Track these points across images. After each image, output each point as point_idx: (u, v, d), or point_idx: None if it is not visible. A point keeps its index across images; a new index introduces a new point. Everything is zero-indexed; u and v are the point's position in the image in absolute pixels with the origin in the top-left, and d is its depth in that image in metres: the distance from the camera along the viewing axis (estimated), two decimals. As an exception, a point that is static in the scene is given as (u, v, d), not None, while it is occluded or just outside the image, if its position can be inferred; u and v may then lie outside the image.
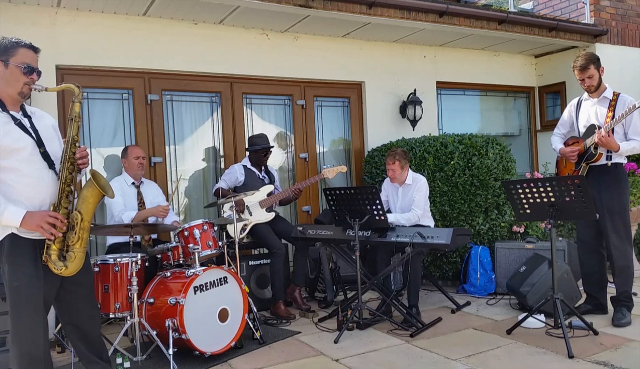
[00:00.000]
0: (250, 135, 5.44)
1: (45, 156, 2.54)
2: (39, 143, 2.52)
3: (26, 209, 2.43)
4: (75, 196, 2.58)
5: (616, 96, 4.01)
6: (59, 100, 4.71)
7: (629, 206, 4.13)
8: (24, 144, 2.47)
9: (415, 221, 4.58)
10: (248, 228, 4.73)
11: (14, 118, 2.49)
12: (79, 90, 2.60)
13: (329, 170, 4.97)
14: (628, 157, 4.17)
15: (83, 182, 2.81)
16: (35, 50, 2.56)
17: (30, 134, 2.52)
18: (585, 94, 4.16)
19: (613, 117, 3.94)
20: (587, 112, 4.14)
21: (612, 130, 3.94)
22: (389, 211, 4.79)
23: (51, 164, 2.55)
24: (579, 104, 4.24)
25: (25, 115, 2.58)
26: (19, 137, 2.47)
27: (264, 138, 5.01)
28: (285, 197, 4.96)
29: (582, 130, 4.15)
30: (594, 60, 4.00)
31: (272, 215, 4.84)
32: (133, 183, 4.50)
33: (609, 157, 3.99)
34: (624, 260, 4.02)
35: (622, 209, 4.01)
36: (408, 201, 4.68)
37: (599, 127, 3.94)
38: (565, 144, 4.27)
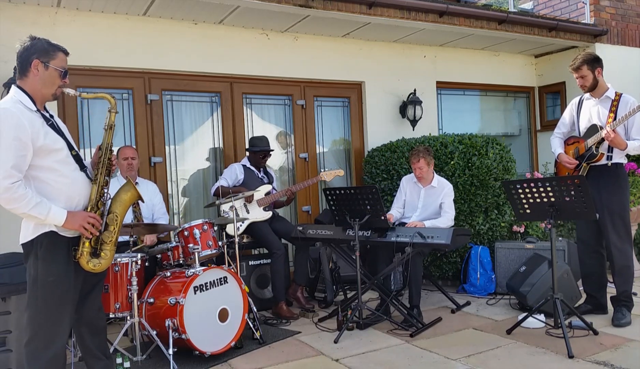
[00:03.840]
0: (252, 136, 5.48)
1: (77, 158, 2.60)
2: (70, 146, 2.59)
3: (66, 210, 2.49)
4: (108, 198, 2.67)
5: (618, 96, 4.00)
6: (59, 101, 4.71)
7: (629, 206, 4.13)
8: (62, 146, 2.53)
9: (450, 224, 4.55)
10: (244, 225, 4.73)
11: (45, 118, 2.53)
12: (115, 101, 2.68)
13: (327, 173, 5.00)
14: (628, 157, 4.16)
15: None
16: (68, 54, 2.63)
17: (62, 136, 2.57)
18: (587, 94, 4.15)
19: (615, 117, 3.93)
20: (588, 111, 4.14)
21: (614, 130, 3.94)
22: (405, 220, 4.78)
23: (82, 166, 2.62)
24: (580, 103, 4.23)
25: (51, 115, 2.63)
26: (56, 138, 2.52)
27: (264, 141, 5.02)
28: (280, 201, 5.03)
29: (583, 130, 4.14)
30: (589, 61, 3.99)
31: (269, 214, 4.84)
32: None
33: (609, 158, 3.99)
34: (624, 260, 4.02)
35: (622, 209, 4.01)
36: (431, 203, 4.65)
37: (601, 127, 3.94)
38: (566, 143, 4.27)
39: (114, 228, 2.61)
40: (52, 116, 2.61)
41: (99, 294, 2.81)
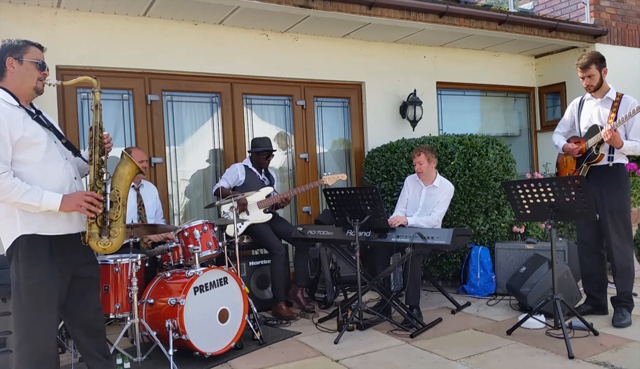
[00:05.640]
0: (252, 136, 5.49)
1: (68, 145, 2.62)
2: (59, 135, 2.61)
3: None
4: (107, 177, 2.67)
5: (619, 97, 3.99)
6: (59, 97, 4.71)
7: (630, 206, 4.13)
8: (42, 139, 2.53)
9: (435, 224, 4.55)
10: (244, 227, 4.72)
11: (30, 113, 2.55)
12: (97, 81, 2.67)
13: (329, 177, 4.97)
14: (628, 157, 4.17)
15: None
16: (42, 49, 2.65)
17: (48, 128, 2.58)
18: (588, 94, 4.15)
19: (615, 118, 3.93)
20: (589, 112, 4.13)
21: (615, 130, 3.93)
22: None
23: (76, 152, 2.64)
24: (581, 104, 4.23)
25: (38, 111, 2.64)
26: (37, 131, 2.52)
27: (266, 141, 5.03)
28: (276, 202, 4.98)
29: (584, 130, 4.14)
30: (597, 60, 3.98)
31: (269, 216, 4.84)
32: (133, 186, 4.47)
33: (610, 158, 3.99)
34: (625, 260, 4.01)
35: (623, 209, 4.00)
36: (431, 203, 4.65)
37: (602, 128, 3.94)
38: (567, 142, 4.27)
39: (118, 204, 2.59)
40: (39, 112, 2.61)
41: (95, 296, 2.76)
